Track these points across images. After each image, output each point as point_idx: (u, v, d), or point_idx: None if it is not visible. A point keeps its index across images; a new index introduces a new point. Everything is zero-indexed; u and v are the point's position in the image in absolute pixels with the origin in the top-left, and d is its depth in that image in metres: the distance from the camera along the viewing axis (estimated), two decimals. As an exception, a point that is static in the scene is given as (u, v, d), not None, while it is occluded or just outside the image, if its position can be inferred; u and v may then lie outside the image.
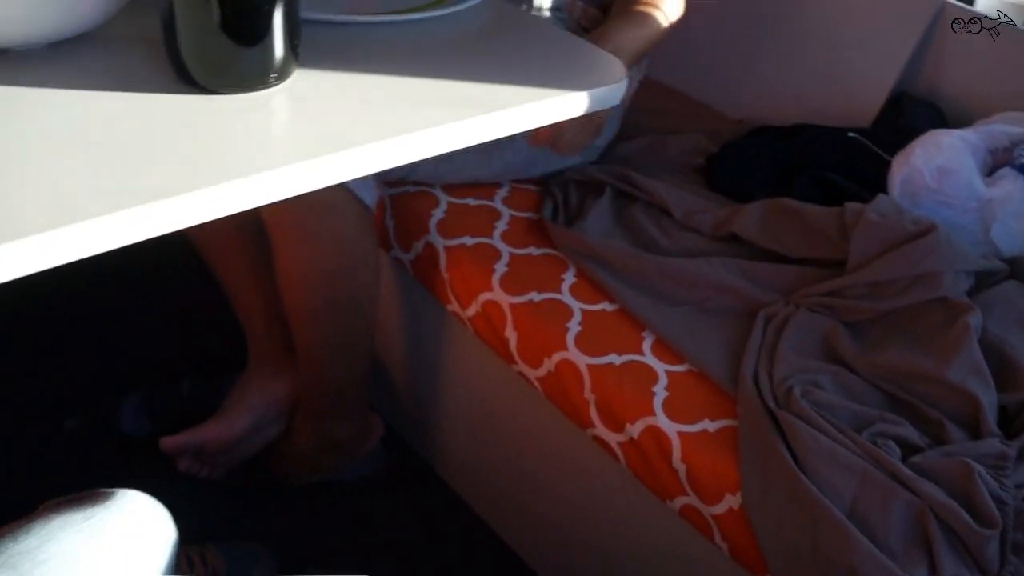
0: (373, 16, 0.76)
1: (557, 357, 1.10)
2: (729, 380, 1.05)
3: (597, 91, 0.74)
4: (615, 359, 1.08)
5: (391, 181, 1.29)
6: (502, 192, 1.32)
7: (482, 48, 0.78)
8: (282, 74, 0.64)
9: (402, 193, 1.29)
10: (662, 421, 1.02)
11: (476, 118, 0.65)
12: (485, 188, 1.32)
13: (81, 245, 0.50)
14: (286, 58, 0.63)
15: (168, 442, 1.32)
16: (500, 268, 1.18)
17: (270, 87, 0.64)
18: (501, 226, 1.24)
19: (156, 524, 0.75)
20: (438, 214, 1.25)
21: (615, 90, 0.75)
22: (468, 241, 1.21)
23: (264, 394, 1.35)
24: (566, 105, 0.72)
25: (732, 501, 0.97)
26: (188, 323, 1.74)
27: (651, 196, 1.30)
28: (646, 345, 1.10)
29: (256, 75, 0.62)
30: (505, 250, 1.21)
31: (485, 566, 1.39)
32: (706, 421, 1.02)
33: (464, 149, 1.21)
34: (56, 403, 1.56)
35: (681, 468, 1.01)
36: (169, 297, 1.79)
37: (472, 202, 1.28)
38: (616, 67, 0.78)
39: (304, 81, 0.66)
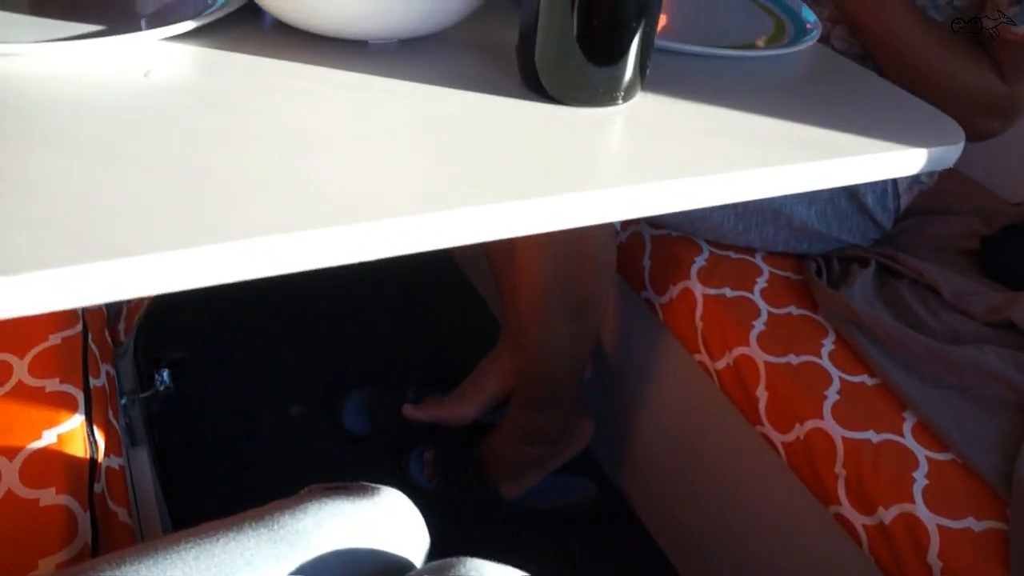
0: (712, 48, 0.75)
1: (810, 424, 1.05)
2: (999, 478, 0.97)
3: (936, 150, 0.70)
4: (873, 436, 1.02)
5: (653, 222, 1.28)
6: (762, 250, 1.28)
7: (811, 91, 0.75)
8: (627, 94, 0.63)
9: (663, 236, 1.28)
10: (921, 511, 0.95)
11: (818, 163, 0.63)
12: (745, 243, 1.29)
13: (429, 235, 0.51)
14: (633, 79, 0.63)
15: (410, 411, 1.49)
16: (758, 325, 1.14)
17: (614, 105, 0.64)
18: (761, 282, 1.20)
19: (415, 529, 0.75)
20: (700, 262, 1.22)
21: (952, 152, 0.71)
22: (728, 293, 1.18)
23: (499, 385, 1.46)
24: (903, 161, 0.68)
25: (993, 611, 0.89)
26: (424, 336, 1.79)
27: (918, 274, 1.23)
28: (907, 426, 1.03)
29: (604, 92, 0.62)
30: (764, 307, 1.17)
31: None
32: (971, 519, 0.95)
33: (722, 212, 1.21)
34: (288, 389, 1.63)
35: (936, 565, 0.93)
36: (413, 310, 1.85)
37: (733, 255, 1.25)
38: (952, 128, 0.74)
39: (645, 103, 0.65)
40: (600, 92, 0.62)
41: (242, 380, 1.64)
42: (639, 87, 0.64)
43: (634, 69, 0.62)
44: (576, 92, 0.62)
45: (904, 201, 1.31)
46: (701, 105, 0.67)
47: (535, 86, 0.63)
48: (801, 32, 0.84)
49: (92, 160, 0.50)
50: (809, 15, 0.87)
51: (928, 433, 1.03)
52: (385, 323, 1.81)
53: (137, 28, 0.65)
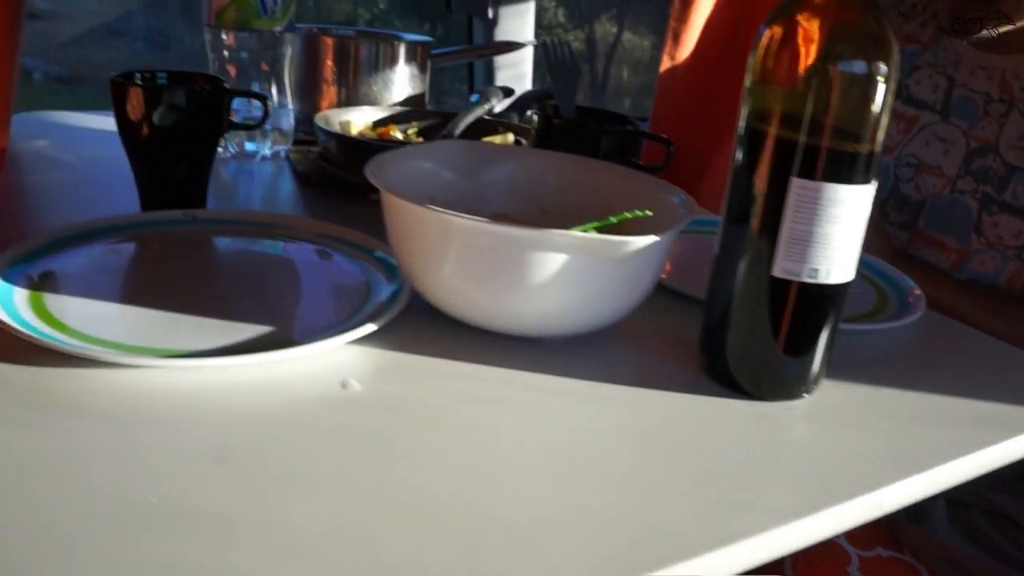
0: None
1: None
2: None
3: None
4: None
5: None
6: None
7: (945, 360, 0.77)
8: (816, 383, 0.64)
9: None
10: None
11: (1004, 443, 0.64)
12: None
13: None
14: (821, 370, 0.63)
15: None
16: (853, 571, 1.11)
17: (801, 398, 0.64)
18: (844, 523, 1.19)
19: None
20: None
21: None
22: (817, 537, 1.16)
23: None
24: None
25: None
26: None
27: (989, 503, 1.23)
28: (1027, 674, 1.00)
29: (796, 384, 0.63)
30: (853, 552, 1.15)
31: None
32: None
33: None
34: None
35: None
36: None
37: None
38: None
39: (824, 393, 0.66)
40: (792, 384, 0.63)
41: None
42: (824, 374, 0.65)
43: (822, 360, 0.63)
44: (766, 385, 0.63)
45: None
46: (873, 387, 0.68)
47: (726, 380, 0.63)
48: (905, 299, 0.86)
49: (344, 503, 0.48)
50: (910, 282, 0.89)
51: None
52: None
53: (315, 331, 0.65)
